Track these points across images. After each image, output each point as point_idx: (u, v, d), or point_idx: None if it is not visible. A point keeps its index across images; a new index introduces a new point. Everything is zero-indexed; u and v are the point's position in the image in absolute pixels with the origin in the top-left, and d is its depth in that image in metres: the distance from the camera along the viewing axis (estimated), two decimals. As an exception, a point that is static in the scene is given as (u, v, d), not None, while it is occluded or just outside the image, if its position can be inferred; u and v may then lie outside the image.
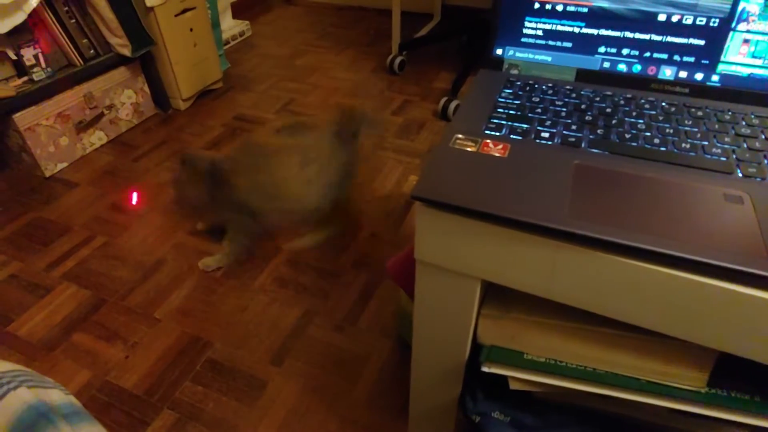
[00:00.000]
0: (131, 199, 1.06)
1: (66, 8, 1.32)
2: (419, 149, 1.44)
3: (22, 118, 1.25)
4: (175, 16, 1.51)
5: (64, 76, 1.33)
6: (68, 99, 1.35)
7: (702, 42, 0.50)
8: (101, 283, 1.05)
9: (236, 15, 2.23)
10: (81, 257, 1.11)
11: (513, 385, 0.49)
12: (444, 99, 1.55)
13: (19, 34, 1.23)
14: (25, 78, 1.28)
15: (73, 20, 1.34)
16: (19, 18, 1.18)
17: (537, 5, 0.54)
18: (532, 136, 0.47)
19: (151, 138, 1.53)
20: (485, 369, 0.49)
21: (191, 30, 1.59)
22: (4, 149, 1.36)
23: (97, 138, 1.47)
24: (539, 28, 0.55)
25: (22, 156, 1.34)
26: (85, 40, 1.37)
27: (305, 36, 2.20)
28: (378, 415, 0.81)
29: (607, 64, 0.54)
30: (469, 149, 0.45)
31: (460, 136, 0.47)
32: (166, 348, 0.92)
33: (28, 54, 1.26)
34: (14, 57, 1.24)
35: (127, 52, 1.42)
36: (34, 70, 1.28)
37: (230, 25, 2.13)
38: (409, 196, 1.26)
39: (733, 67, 0.50)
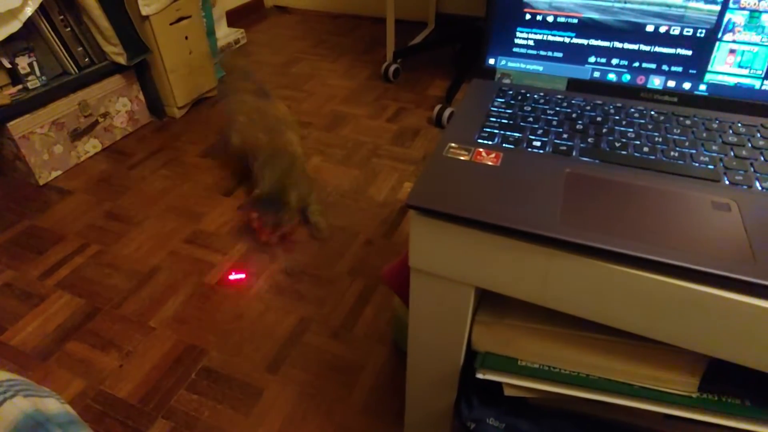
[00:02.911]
0: (233, 275, 1.09)
1: (61, 17, 1.32)
2: (414, 156, 1.45)
3: (16, 126, 1.25)
4: (171, 24, 1.52)
5: (58, 85, 1.33)
6: (63, 107, 1.35)
7: (689, 52, 0.52)
8: (95, 291, 1.05)
9: (231, 23, 2.24)
10: (75, 265, 1.11)
11: (508, 392, 0.50)
12: (438, 106, 1.57)
13: (14, 43, 1.23)
14: (20, 86, 1.28)
15: (69, 28, 1.34)
16: (14, 26, 1.18)
17: (528, 16, 0.55)
18: (524, 144, 0.47)
19: (146, 146, 1.53)
20: (480, 376, 0.49)
21: (186, 38, 1.59)
22: (-2, 157, 1.36)
23: (91, 146, 1.47)
24: (530, 39, 0.56)
25: (16, 164, 1.34)
26: (80, 49, 1.38)
27: (300, 44, 2.21)
28: (374, 421, 0.81)
29: (597, 74, 0.55)
30: (462, 158, 0.46)
31: (453, 144, 0.47)
32: (161, 356, 0.91)
33: (23, 62, 1.26)
34: (9, 65, 1.24)
35: (122, 60, 1.42)
36: (29, 78, 1.28)
37: (225, 33, 2.14)
38: (404, 203, 1.27)
39: (720, 77, 0.51)
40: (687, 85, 0.53)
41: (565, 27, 0.55)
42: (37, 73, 1.29)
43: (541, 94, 0.55)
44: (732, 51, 0.50)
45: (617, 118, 0.51)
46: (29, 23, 1.23)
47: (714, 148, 0.46)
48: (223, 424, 0.81)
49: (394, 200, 1.28)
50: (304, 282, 1.06)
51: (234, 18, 2.32)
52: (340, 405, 0.83)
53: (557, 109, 0.53)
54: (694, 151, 0.46)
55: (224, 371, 0.89)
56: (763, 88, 0.50)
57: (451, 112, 1.55)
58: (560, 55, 0.56)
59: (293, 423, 0.81)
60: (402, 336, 0.89)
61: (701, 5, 0.50)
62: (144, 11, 1.41)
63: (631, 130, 0.49)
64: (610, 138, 0.48)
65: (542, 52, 0.56)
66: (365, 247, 1.14)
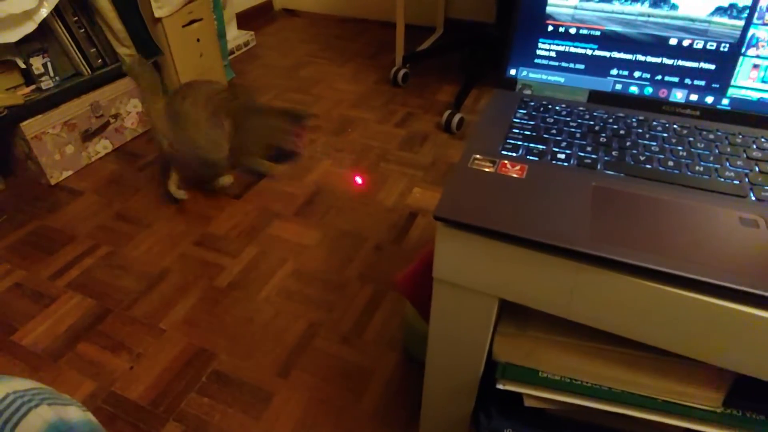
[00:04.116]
0: (355, 180, 1.20)
1: (75, 18, 1.33)
2: (423, 162, 1.45)
3: (29, 127, 1.26)
4: (183, 26, 1.53)
5: (71, 85, 1.34)
6: (75, 108, 1.36)
7: (712, 66, 0.52)
8: (106, 292, 1.05)
9: (241, 25, 2.25)
10: (85, 266, 1.11)
11: (528, 402, 0.50)
12: (447, 112, 1.57)
13: (29, 43, 1.24)
14: (33, 86, 1.29)
15: (82, 30, 1.35)
16: (29, 27, 1.19)
17: (550, 27, 0.56)
18: (549, 157, 0.48)
19: (155, 147, 1.53)
20: (500, 386, 0.49)
21: (198, 40, 1.60)
22: (10, 157, 1.37)
23: (102, 146, 1.48)
24: (552, 50, 0.56)
25: (27, 164, 1.34)
26: (93, 50, 1.38)
27: (309, 47, 2.22)
28: (384, 427, 0.81)
29: (619, 86, 0.56)
30: (487, 169, 0.46)
31: (478, 156, 0.47)
32: (171, 359, 0.92)
33: (37, 63, 1.26)
34: (23, 66, 1.25)
35: (134, 61, 1.43)
36: (43, 78, 1.29)
37: (235, 36, 2.15)
38: (412, 208, 1.27)
39: (743, 91, 0.51)
40: (710, 99, 0.53)
41: (587, 39, 0.55)
42: (51, 73, 1.30)
43: (563, 105, 0.55)
44: (755, 66, 0.50)
45: (640, 131, 0.51)
46: (44, 24, 1.24)
47: (739, 163, 0.46)
48: (233, 428, 0.81)
49: (403, 205, 1.28)
50: (313, 286, 1.06)
51: (243, 20, 2.33)
52: (350, 411, 0.83)
53: (579, 121, 0.53)
54: (718, 166, 0.46)
55: (235, 375, 0.89)
56: (787, 103, 0.50)
57: (460, 117, 1.56)
58: (582, 66, 0.56)
59: (303, 428, 0.81)
60: (412, 342, 0.89)
61: (725, 20, 0.50)
62: (157, 13, 1.41)
63: (654, 143, 0.49)
64: (634, 151, 0.48)
65: (564, 64, 0.56)
66: (374, 253, 1.14)
